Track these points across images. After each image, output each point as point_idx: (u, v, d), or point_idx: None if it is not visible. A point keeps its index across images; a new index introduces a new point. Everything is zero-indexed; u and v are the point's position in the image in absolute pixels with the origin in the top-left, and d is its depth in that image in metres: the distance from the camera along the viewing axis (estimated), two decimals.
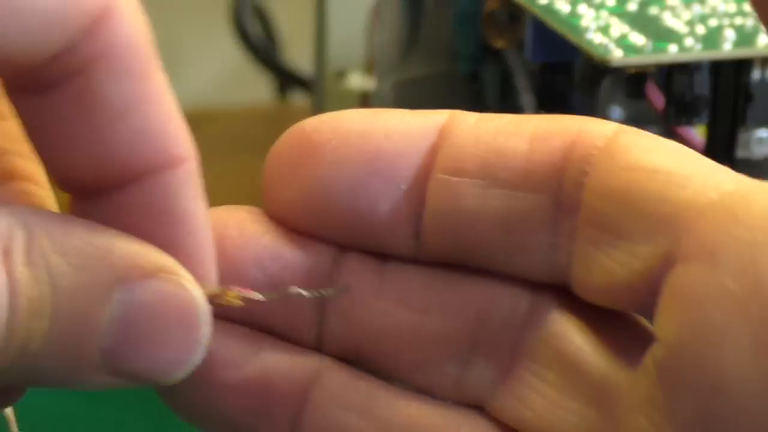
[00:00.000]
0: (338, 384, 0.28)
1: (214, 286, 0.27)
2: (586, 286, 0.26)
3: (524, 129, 0.27)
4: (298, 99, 0.82)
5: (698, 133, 0.49)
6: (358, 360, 0.28)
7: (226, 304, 0.27)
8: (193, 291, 0.26)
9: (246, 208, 0.28)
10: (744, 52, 0.43)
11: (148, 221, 0.26)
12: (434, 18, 0.54)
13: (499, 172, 0.27)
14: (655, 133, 0.59)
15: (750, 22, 0.45)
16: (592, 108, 0.49)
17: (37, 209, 0.26)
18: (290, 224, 0.28)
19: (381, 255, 0.28)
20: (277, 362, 0.28)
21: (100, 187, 0.26)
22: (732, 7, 0.47)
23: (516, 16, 0.49)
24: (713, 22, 0.45)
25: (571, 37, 0.44)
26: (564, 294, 0.27)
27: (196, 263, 0.27)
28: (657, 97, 0.46)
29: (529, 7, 0.47)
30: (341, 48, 0.61)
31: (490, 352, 0.27)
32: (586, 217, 0.26)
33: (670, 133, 0.52)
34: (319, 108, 0.63)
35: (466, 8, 0.52)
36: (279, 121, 0.85)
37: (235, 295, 0.27)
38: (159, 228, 0.26)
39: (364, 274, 0.28)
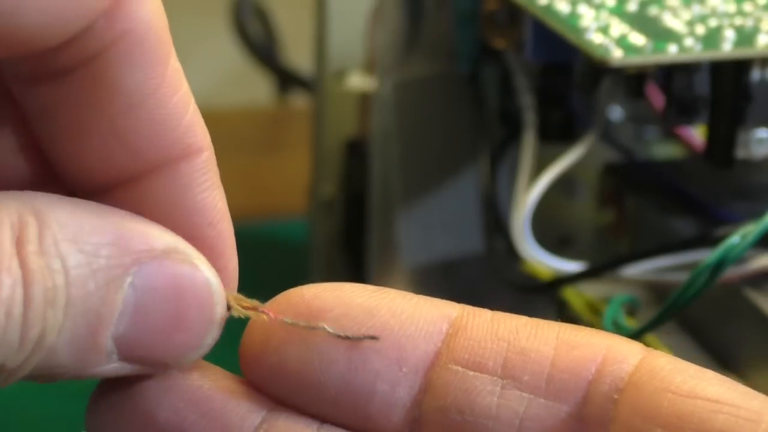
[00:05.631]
0: None
1: (235, 293, 0.26)
2: None
3: (547, 333, 0.26)
4: (298, 99, 0.82)
5: (698, 133, 0.49)
6: None
7: (238, 314, 0.26)
8: (205, 271, 0.25)
9: (228, 375, 0.27)
10: (744, 52, 0.43)
11: (165, 214, 0.25)
12: (434, 18, 0.54)
13: (521, 373, 0.25)
14: (655, 133, 0.59)
15: (750, 22, 0.45)
16: (591, 108, 0.50)
17: (45, 194, 0.25)
18: (271, 391, 0.26)
19: None
20: None
21: (113, 182, 0.26)
22: (732, 7, 0.47)
23: (516, 16, 0.49)
24: (713, 22, 0.45)
25: (571, 37, 0.44)
26: None
27: (217, 254, 0.26)
28: (657, 97, 0.46)
29: (529, 7, 0.47)
30: (341, 48, 0.61)
31: None
32: None
33: (670, 133, 0.52)
34: (319, 108, 0.63)
35: (466, 8, 0.52)
36: (279, 121, 0.85)
37: (250, 306, 0.26)
38: (177, 220, 0.26)
39: None
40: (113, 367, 0.25)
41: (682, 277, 0.41)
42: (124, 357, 0.25)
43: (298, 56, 0.79)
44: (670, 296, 0.40)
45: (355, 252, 0.60)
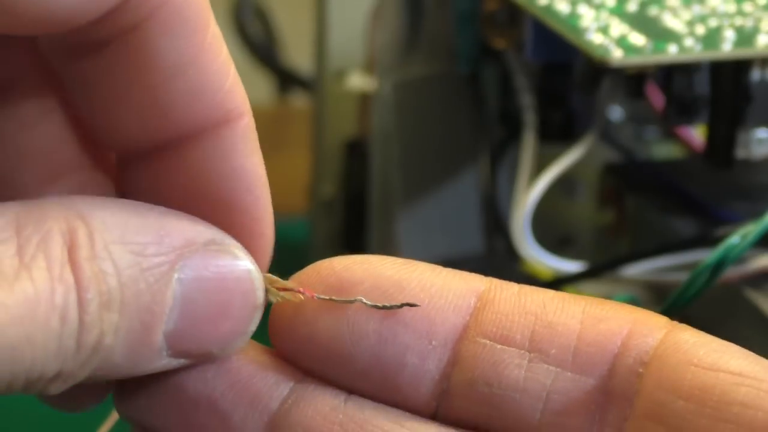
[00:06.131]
0: None
1: (280, 280, 0.27)
2: None
3: (574, 307, 0.26)
4: (298, 99, 0.82)
5: (698, 133, 0.49)
6: None
7: (275, 298, 0.26)
8: (245, 259, 0.26)
9: (257, 346, 0.27)
10: (744, 53, 0.43)
11: (204, 179, 0.26)
12: (434, 18, 0.54)
13: (548, 346, 0.26)
14: (655, 133, 0.59)
15: (750, 22, 0.45)
16: (592, 108, 0.49)
17: (85, 197, 0.25)
18: (300, 362, 0.27)
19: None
20: None
21: (155, 147, 0.26)
22: (732, 7, 0.47)
23: (516, 16, 0.49)
24: (713, 23, 0.45)
25: (571, 38, 0.44)
26: None
27: (254, 220, 0.26)
28: (657, 97, 0.46)
29: (529, 7, 0.47)
30: (341, 48, 0.61)
31: None
32: (646, 409, 0.25)
33: (670, 133, 0.52)
34: (319, 108, 0.63)
35: (466, 8, 0.52)
36: (279, 121, 0.85)
37: (284, 287, 0.26)
38: (216, 186, 0.26)
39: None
40: (164, 363, 0.25)
41: (682, 277, 0.41)
42: (174, 352, 0.25)
43: (298, 56, 0.79)
44: (670, 296, 0.40)
45: (355, 252, 0.60)
